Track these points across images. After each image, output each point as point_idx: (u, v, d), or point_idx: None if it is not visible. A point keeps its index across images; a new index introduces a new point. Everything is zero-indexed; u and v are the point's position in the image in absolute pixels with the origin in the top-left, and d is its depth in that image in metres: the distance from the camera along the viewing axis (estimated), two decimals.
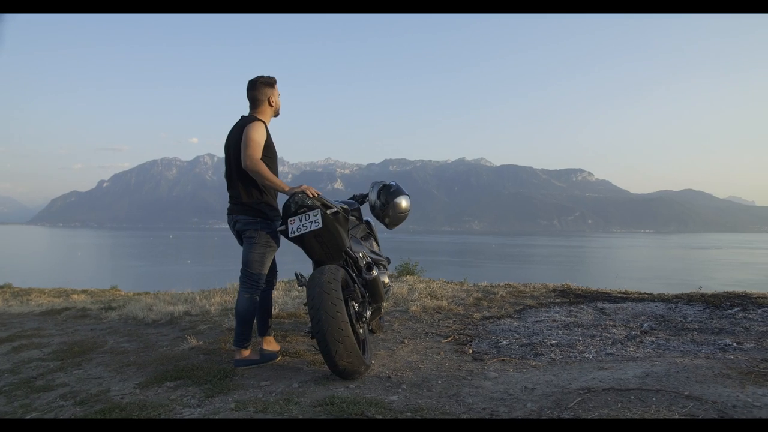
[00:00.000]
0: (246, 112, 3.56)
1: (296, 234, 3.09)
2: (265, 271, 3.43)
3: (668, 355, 3.15)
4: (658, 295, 5.62)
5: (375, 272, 3.22)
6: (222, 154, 3.55)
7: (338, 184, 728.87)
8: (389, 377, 3.01)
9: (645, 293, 5.68)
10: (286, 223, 3.14)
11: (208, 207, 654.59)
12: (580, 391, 2.39)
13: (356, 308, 3.17)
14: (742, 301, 4.75)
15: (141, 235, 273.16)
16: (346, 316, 2.85)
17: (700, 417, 1.96)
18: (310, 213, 3.09)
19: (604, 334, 3.92)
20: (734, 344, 3.38)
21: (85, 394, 3.30)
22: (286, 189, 3.21)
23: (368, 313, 3.27)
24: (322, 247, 3.19)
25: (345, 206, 3.37)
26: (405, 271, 8.65)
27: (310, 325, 3.09)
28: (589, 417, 2.06)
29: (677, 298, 5.19)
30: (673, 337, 3.76)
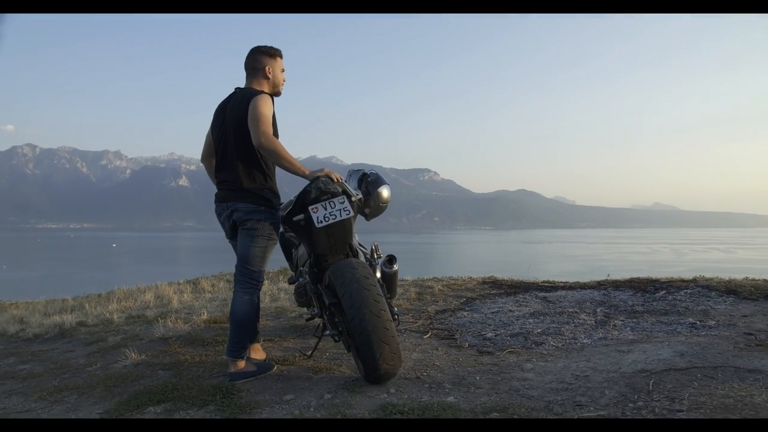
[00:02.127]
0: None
1: (324, 224, 2.71)
2: (266, 267, 2.99)
3: (661, 336, 3.38)
4: (576, 282, 6.10)
5: (396, 266, 2.98)
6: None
7: (183, 181, 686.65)
8: (418, 378, 2.81)
9: (569, 282, 6.12)
10: (307, 211, 2.75)
11: (28, 204, 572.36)
12: (643, 374, 2.44)
13: None
14: (661, 285, 5.34)
15: None
16: (390, 314, 2.59)
17: None
18: (335, 200, 2.74)
19: (576, 320, 4.11)
20: (698, 322, 3.75)
21: None
22: (307, 172, 2.82)
23: (396, 309, 3.01)
24: (329, 239, 2.85)
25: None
26: None
27: (332, 326, 2.76)
28: (684, 398, 2.09)
29: (601, 285, 5.67)
30: (634, 320, 4.07)
